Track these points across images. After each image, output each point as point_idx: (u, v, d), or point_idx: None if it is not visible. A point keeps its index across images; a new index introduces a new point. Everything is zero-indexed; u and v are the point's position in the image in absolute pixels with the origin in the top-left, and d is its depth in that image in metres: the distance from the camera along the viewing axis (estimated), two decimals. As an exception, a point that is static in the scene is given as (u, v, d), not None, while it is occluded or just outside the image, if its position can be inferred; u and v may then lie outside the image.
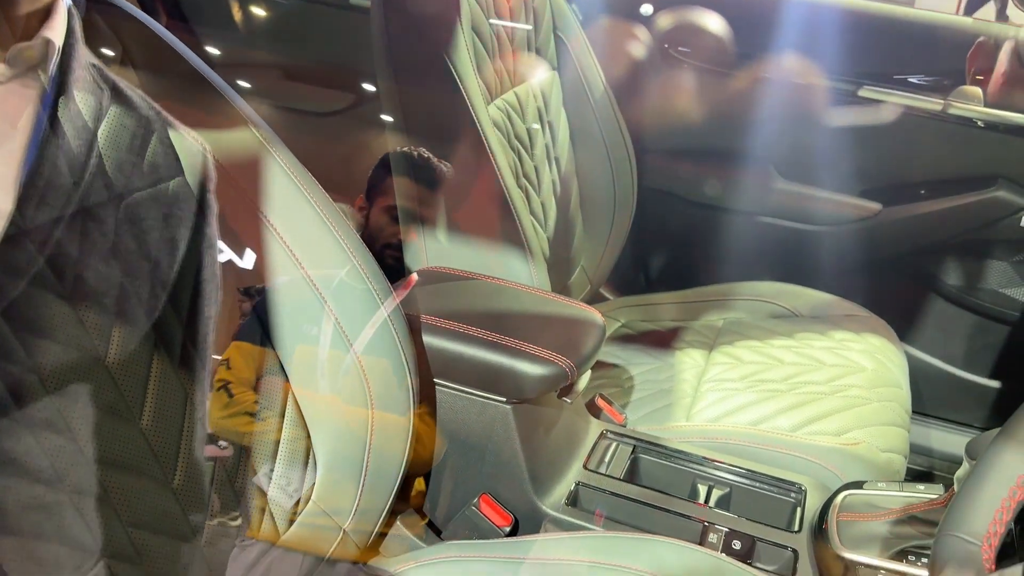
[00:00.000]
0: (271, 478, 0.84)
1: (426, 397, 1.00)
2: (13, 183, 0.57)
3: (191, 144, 0.76)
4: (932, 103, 1.51)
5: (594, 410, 1.22)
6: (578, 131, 1.53)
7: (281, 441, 0.84)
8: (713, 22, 1.66)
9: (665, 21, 1.68)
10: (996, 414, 1.68)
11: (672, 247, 1.84)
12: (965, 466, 0.88)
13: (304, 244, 0.85)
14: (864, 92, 1.55)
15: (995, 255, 1.59)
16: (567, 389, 1.03)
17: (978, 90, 1.49)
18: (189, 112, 0.82)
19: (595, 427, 1.17)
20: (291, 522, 0.85)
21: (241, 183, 0.84)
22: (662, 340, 1.48)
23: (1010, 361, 1.65)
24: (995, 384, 1.66)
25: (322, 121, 1.84)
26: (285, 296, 0.86)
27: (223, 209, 0.81)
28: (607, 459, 1.12)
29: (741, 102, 1.64)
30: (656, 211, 1.77)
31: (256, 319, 0.85)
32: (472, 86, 1.16)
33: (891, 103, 1.54)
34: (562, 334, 1.03)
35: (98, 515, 0.66)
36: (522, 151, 1.36)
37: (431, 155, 1.23)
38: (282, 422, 0.85)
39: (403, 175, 1.24)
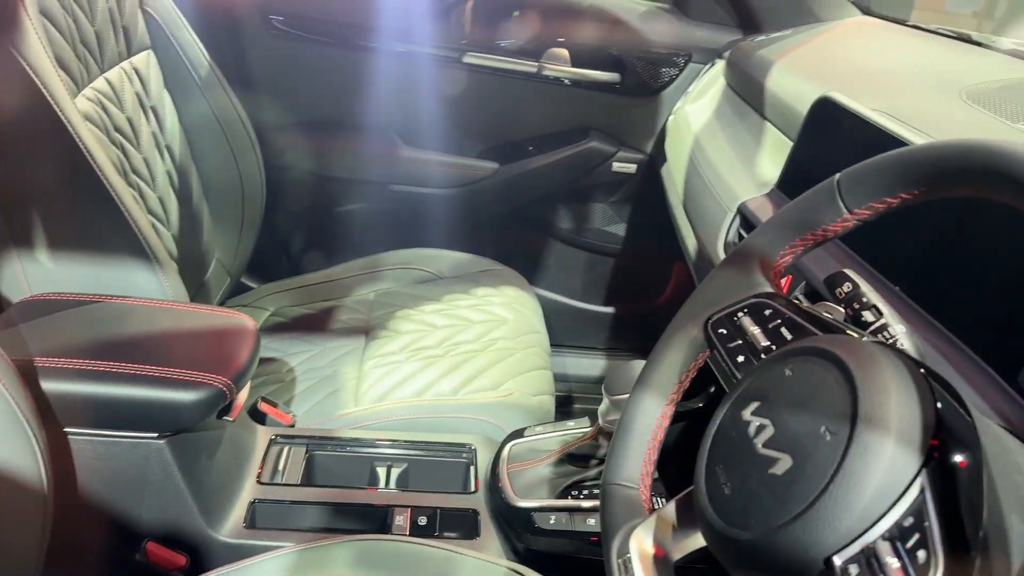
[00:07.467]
0: None
1: (60, 452, 0.86)
2: None
3: None
4: (528, 66, 1.64)
5: (258, 416, 1.16)
6: (188, 114, 1.40)
7: None
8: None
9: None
10: (614, 336, 1.93)
11: (311, 225, 1.80)
12: (606, 402, 1.00)
13: None
14: (468, 58, 1.63)
15: (596, 198, 1.80)
16: (227, 408, 0.95)
17: (565, 51, 1.64)
18: None
19: (263, 435, 1.12)
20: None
21: None
22: (317, 323, 1.44)
23: (617, 288, 1.90)
24: (608, 310, 1.91)
25: None
26: None
27: None
28: (281, 467, 1.07)
29: (355, 73, 1.63)
30: (289, 190, 1.70)
31: None
32: (51, 79, 0.98)
33: (494, 67, 1.63)
34: (212, 349, 0.95)
35: None
36: (126, 144, 1.20)
37: None
38: None
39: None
